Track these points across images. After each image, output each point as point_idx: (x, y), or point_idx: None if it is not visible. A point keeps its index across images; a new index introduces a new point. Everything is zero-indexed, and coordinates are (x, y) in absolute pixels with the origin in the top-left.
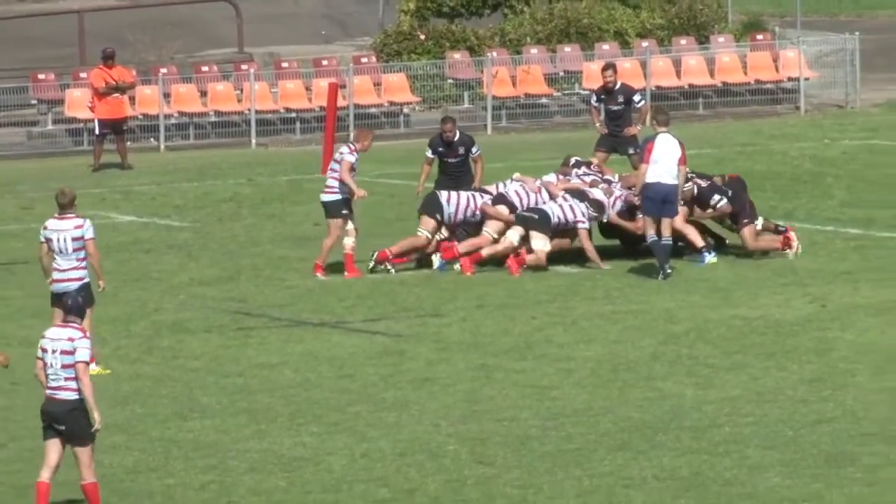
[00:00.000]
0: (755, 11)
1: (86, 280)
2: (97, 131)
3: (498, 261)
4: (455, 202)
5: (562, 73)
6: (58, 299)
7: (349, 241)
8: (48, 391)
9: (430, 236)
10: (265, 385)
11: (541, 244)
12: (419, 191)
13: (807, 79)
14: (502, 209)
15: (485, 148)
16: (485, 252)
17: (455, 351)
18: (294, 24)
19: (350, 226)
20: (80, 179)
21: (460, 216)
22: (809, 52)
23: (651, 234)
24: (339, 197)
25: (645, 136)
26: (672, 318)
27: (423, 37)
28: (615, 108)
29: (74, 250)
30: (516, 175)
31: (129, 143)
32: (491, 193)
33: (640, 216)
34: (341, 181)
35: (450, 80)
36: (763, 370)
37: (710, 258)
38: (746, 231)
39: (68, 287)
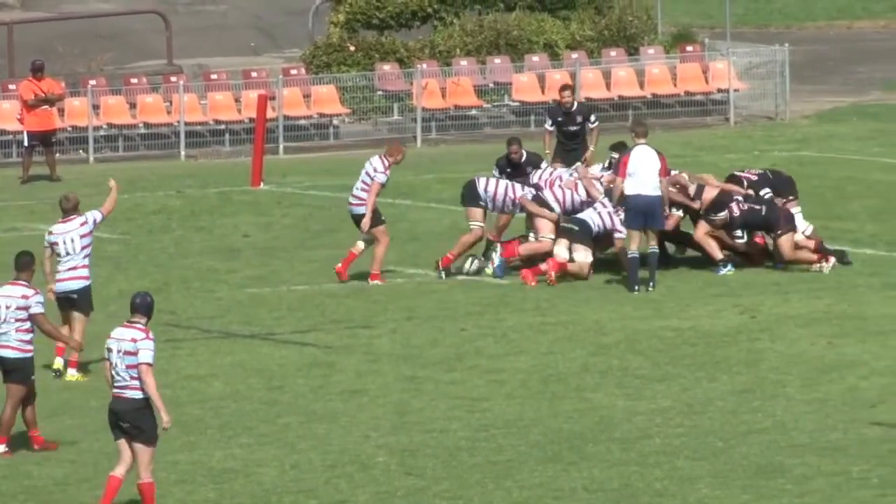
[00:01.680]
0: (685, 23)
1: (90, 281)
2: (26, 143)
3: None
4: (493, 190)
5: (491, 85)
6: (63, 299)
7: (361, 245)
8: (115, 390)
9: (482, 226)
10: (194, 397)
11: (583, 256)
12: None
13: (736, 90)
14: (544, 210)
15: (414, 160)
16: (570, 267)
17: (385, 362)
18: (223, 36)
19: (364, 236)
20: (8, 191)
21: (499, 203)
22: (739, 64)
23: (633, 250)
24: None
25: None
26: (602, 329)
27: (352, 48)
28: (573, 128)
29: (82, 248)
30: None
31: (58, 154)
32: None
33: (675, 213)
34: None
35: (379, 92)
36: (693, 381)
37: (727, 270)
38: (783, 243)
39: (72, 286)
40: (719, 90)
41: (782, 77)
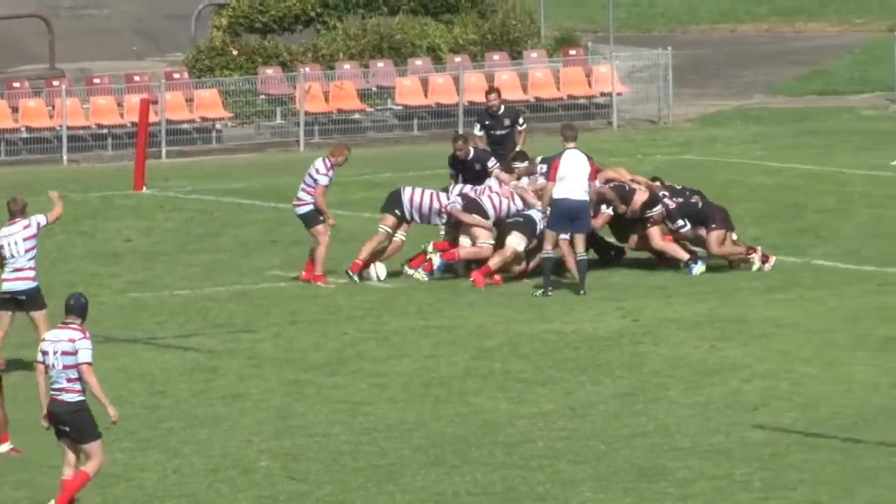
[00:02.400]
0: (568, 27)
1: (37, 283)
2: None
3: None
4: (418, 200)
5: (375, 89)
6: (9, 300)
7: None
8: (52, 392)
9: (389, 231)
10: None
11: (516, 241)
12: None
13: (619, 94)
14: (478, 217)
15: (297, 165)
16: (492, 263)
17: (267, 367)
18: (106, 39)
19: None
20: None
21: (424, 213)
22: (622, 68)
23: (548, 251)
24: (312, 207)
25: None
26: (485, 332)
27: (235, 52)
28: (501, 132)
29: (26, 251)
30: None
31: None
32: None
33: (605, 210)
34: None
35: (262, 96)
36: (576, 384)
37: (699, 267)
38: (713, 236)
39: (18, 286)
40: (602, 94)
41: (665, 81)
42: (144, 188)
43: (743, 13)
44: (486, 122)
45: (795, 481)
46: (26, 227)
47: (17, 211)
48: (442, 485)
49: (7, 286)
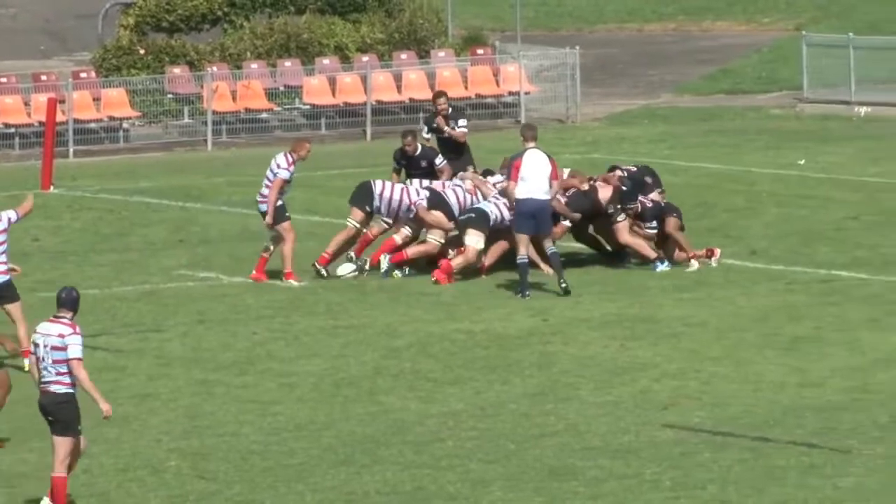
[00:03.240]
0: (475, 26)
1: (9, 276)
2: None
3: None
4: (388, 194)
5: (282, 88)
6: None
7: (270, 246)
8: (41, 384)
9: (357, 226)
10: None
11: (474, 241)
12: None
13: (527, 93)
14: (439, 215)
15: (205, 164)
16: (455, 264)
17: (176, 366)
18: (12, 38)
19: (271, 234)
20: None
21: (394, 207)
22: (530, 67)
23: (522, 255)
24: (277, 203)
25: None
26: (394, 332)
27: (142, 52)
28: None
29: None
30: (461, 174)
31: None
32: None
33: (563, 223)
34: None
35: (170, 95)
36: (486, 384)
37: (663, 267)
38: (671, 221)
39: None
40: (510, 93)
41: (573, 80)
42: (52, 188)
43: (650, 12)
44: (434, 126)
45: (705, 480)
46: None
47: None
48: (352, 484)
49: None
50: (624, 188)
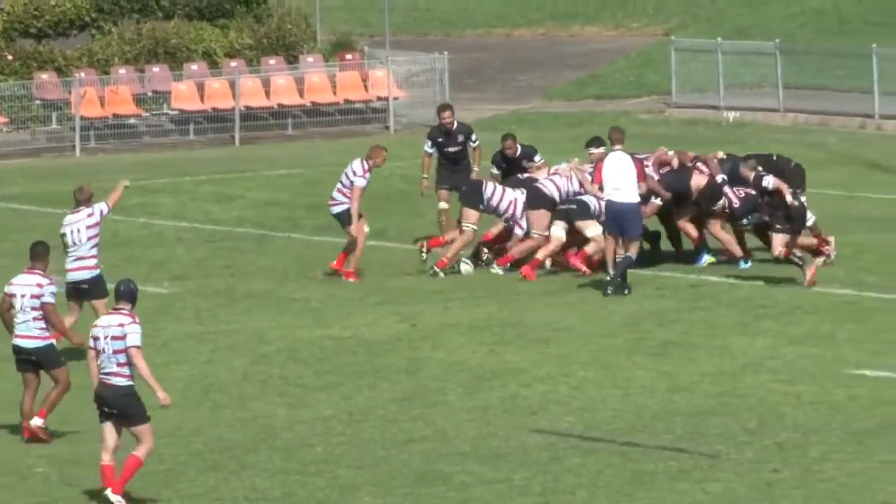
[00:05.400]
0: (344, 31)
1: (99, 270)
2: None
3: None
4: (497, 201)
5: (150, 94)
6: (72, 290)
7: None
8: (101, 376)
9: (476, 229)
10: None
11: (595, 230)
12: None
13: (396, 98)
14: (543, 214)
15: (73, 170)
16: (540, 255)
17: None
18: None
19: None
20: None
21: (499, 213)
22: (399, 72)
23: (619, 253)
24: (346, 207)
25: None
26: (263, 338)
27: (10, 57)
28: (454, 149)
29: (88, 239)
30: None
31: None
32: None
33: (654, 201)
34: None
35: (38, 101)
36: (354, 389)
37: (746, 266)
38: (776, 238)
39: (82, 275)
40: (379, 98)
41: (442, 85)
42: None
43: (518, 18)
44: (439, 140)
45: (574, 485)
46: (90, 215)
47: (82, 200)
48: (220, 490)
49: (71, 276)
50: (718, 179)
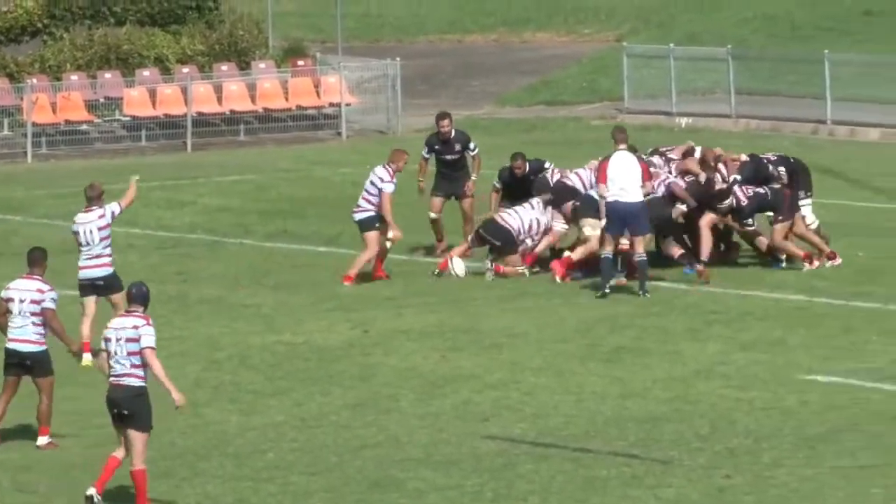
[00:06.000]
0: (296, 37)
1: (113, 268)
2: None
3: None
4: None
5: (102, 100)
6: (88, 286)
7: (385, 244)
8: (112, 378)
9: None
10: None
11: (591, 231)
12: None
13: (348, 104)
14: (561, 225)
15: (24, 176)
16: (575, 256)
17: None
18: None
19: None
20: None
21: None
22: (351, 78)
23: (606, 252)
24: (372, 213)
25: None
26: (215, 344)
27: None
28: (451, 157)
29: (101, 240)
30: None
31: None
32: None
33: (678, 206)
34: (376, 203)
35: None
36: (307, 395)
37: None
38: (776, 229)
39: (97, 273)
40: (331, 104)
41: (394, 91)
42: None
43: (471, 24)
44: (437, 147)
45: (526, 491)
46: (101, 216)
47: (93, 197)
48: (172, 496)
49: (85, 273)
50: (731, 180)
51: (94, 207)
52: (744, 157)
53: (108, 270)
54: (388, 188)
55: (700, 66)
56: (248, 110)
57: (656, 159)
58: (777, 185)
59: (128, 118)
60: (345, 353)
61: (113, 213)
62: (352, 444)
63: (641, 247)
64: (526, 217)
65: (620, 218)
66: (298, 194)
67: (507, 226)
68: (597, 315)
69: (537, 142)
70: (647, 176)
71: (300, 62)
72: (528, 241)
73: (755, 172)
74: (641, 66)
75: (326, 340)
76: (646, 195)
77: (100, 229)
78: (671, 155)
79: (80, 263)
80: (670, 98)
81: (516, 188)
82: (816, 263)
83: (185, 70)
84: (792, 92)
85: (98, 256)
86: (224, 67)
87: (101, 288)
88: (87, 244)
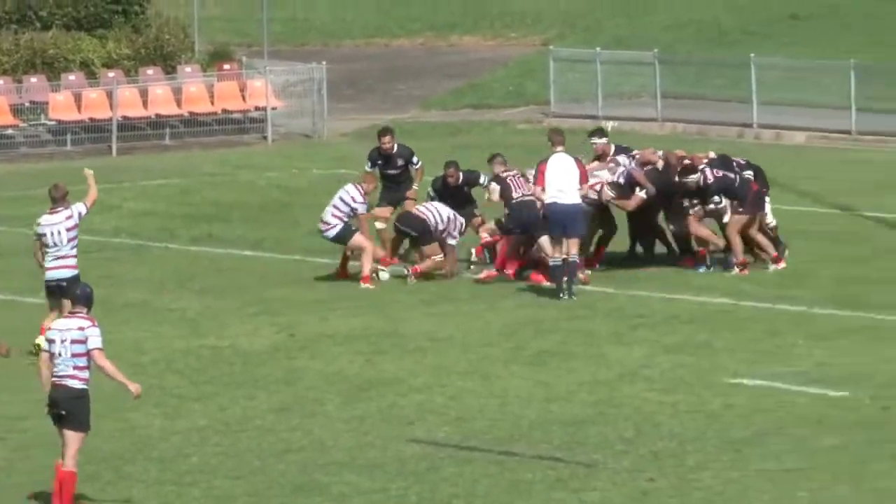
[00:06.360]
0: (222, 41)
1: (78, 270)
2: None
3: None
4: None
5: (28, 104)
6: (55, 287)
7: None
8: (54, 379)
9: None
10: None
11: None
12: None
13: (274, 108)
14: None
15: None
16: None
17: None
18: None
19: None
20: None
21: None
22: (277, 82)
23: (555, 258)
24: (342, 225)
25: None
26: (140, 348)
27: None
28: (394, 171)
29: (69, 241)
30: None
31: None
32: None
33: (638, 193)
34: (344, 219)
35: None
36: (231, 400)
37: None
38: (735, 218)
39: (62, 274)
40: (257, 108)
41: (320, 95)
42: None
43: (397, 28)
44: (379, 162)
45: (450, 495)
46: (69, 217)
47: (58, 198)
48: (97, 501)
49: (52, 274)
50: (708, 175)
51: (59, 209)
52: (711, 155)
53: (73, 272)
54: (363, 209)
55: (626, 70)
56: (174, 114)
57: (622, 158)
58: (747, 175)
59: (53, 122)
60: (270, 356)
61: (80, 213)
62: (276, 447)
63: (575, 248)
64: (444, 212)
65: (559, 219)
66: (224, 198)
67: (422, 216)
68: (521, 318)
69: (463, 146)
70: (585, 178)
71: (226, 66)
72: (451, 241)
73: (723, 166)
74: (568, 70)
75: (252, 344)
76: (583, 197)
77: (68, 230)
78: (635, 154)
79: (47, 265)
80: (596, 102)
81: (449, 197)
82: (747, 272)
83: (111, 74)
84: (718, 96)
85: (65, 257)
86: (150, 71)
87: (64, 289)
88: (55, 245)
